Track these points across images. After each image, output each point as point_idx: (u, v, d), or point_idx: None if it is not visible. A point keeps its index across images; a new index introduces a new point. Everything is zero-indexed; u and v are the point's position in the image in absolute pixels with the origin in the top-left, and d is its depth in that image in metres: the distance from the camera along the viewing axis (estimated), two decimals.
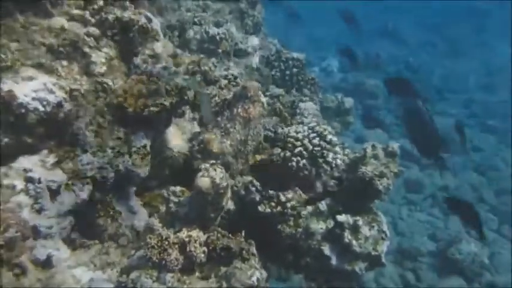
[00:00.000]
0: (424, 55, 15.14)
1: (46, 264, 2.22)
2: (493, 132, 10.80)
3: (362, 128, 9.68)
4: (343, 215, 3.14)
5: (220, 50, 4.49)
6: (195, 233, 2.30)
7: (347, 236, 3.11)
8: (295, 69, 5.10)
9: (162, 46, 2.86)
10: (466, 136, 5.89)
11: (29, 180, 2.17)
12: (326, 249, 3.15)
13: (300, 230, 3.03)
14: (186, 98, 2.61)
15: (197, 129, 3.01)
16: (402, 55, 14.82)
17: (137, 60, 2.67)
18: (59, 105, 2.19)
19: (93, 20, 2.71)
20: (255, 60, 4.86)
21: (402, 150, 8.79)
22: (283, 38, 6.96)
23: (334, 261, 3.14)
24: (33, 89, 2.13)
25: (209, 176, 2.38)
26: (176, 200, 2.52)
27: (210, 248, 2.34)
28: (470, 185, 8.70)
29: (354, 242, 3.11)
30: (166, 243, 2.24)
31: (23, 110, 2.10)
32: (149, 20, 3.38)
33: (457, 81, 13.55)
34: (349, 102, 6.25)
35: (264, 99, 3.64)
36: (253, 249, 2.43)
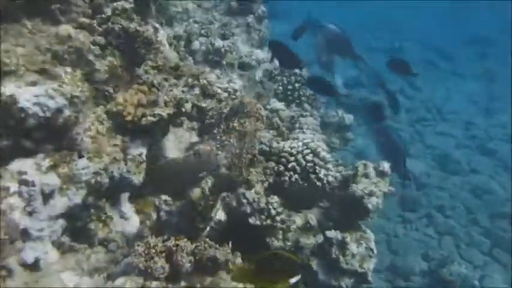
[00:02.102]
0: (427, 74, 15.20)
1: (34, 267, 2.25)
2: (491, 155, 10.82)
3: (363, 144, 9.74)
4: (333, 230, 3.21)
5: (224, 62, 4.58)
6: (183, 242, 2.35)
7: (334, 251, 3.17)
8: (297, 84, 5.19)
9: (165, 57, 2.93)
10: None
11: (22, 182, 2.22)
12: (314, 264, 3.22)
13: (289, 243, 3.08)
14: (183, 109, 2.68)
15: (195, 139, 3.07)
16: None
17: (140, 70, 2.74)
18: (59, 111, 2.26)
19: (100, 29, 2.79)
20: (258, 74, 4.94)
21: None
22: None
23: (321, 276, 3.21)
24: (34, 94, 2.20)
25: (200, 186, 2.44)
26: (167, 208, 2.58)
27: (197, 257, 2.39)
28: (466, 207, 8.72)
29: (341, 258, 3.18)
30: (153, 251, 2.29)
31: (23, 115, 2.16)
32: (156, 30, 3.47)
33: (459, 103, 13.60)
34: (349, 118, 6.31)
35: (264, 113, 3.73)
36: (239, 261, 2.47)
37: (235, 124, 2.78)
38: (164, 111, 2.56)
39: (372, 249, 3.29)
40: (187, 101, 2.68)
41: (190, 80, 2.79)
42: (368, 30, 17.25)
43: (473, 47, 18.11)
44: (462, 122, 12.40)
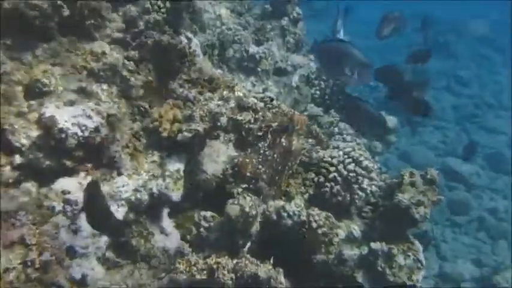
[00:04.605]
0: (475, 69, 14.50)
1: (81, 283, 2.29)
2: None
3: (407, 145, 9.43)
4: (377, 242, 3.07)
5: (259, 69, 4.51)
6: (224, 259, 2.31)
7: (380, 264, 3.03)
8: (335, 88, 5.05)
9: (199, 69, 2.90)
10: None
11: (66, 201, 2.26)
12: (359, 277, 3.09)
13: (331, 256, 2.98)
14: (219, 124, 2.64)
15: (232, 151, 3.02)
16: (452, 69, 14.26)
17: (174, 84, 2.72)
18: (96, 130, 2.28)
19: (133, 44, 2.80)
20: (294, 79, 4.85)
21: (449, 170, 8.43)
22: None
23: None
24: (73, 114, 2.23)
25: (239, 204, 2.39)
26: (206, 225, 2.54)
27: (238, 275, 2.34)
28: None
29: (388, 270, 3.04)
30: (195, 269, 2.26)
31: (63, 135, 2.19)
32: (189, 40, 3.46)
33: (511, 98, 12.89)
34: (391, 121, 6.09)
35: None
36: (281, 278, 2.40)
37: (282, 140, 2.72)
38: (200, 126, 2.53)
39: (420, 261, 3.12)
40: (222, 115, 2.64)
41: (225, 92, 2.74)
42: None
43: None
44: None
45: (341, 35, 6.11)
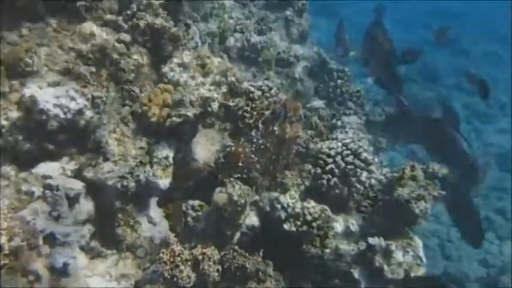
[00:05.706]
0: (487, 67, 14.19)
1: (62, 272, 2.19)
2: None
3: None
4: (376, 237, 2.96)
5: (260, 59, 4.39)
6: (210, 250, 2.21)
7: (378, 260, 2.93)
8: (339, 81, 4.92)
9: (193, 54, 2.80)
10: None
11: (47, 187, 2.16)
12: (355, 273, 2.99)
13: (327, 250, 2.87)
14: (210, 109, 2.53)
15: (227, 140, 2.92)
16: (463, 66, 13.96)
17: (165, 68, 2.62)
18: (80, 112, 2.17)
19: (125, 26, 2.70)
20: (297, 71, 4.72)
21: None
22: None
23: (363, 285, 2.98)
24: (55, 95, 2.12)
25: (227, 192, 2.29)
26: (194, 214, 2.44)
27: (225, 266, 2.24)
28: None
29: (386, 266, 2.93)
30: (179, 259, 2.17)
31: (44, 116, 2.09)
32: (188, 26, 3.35)
33: None
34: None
35: (300, 112, 3.52)
36: (270, 271, 2.31)
37: (275, 128, 2.61)
38: (190, 112, 2.42)
39: (420, 258, 3.01)
40: (214, 100, 2.52)
41: (217, 77, 2.62)
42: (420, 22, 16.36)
43: None
44: None
45: (346, 41, 6.03)
